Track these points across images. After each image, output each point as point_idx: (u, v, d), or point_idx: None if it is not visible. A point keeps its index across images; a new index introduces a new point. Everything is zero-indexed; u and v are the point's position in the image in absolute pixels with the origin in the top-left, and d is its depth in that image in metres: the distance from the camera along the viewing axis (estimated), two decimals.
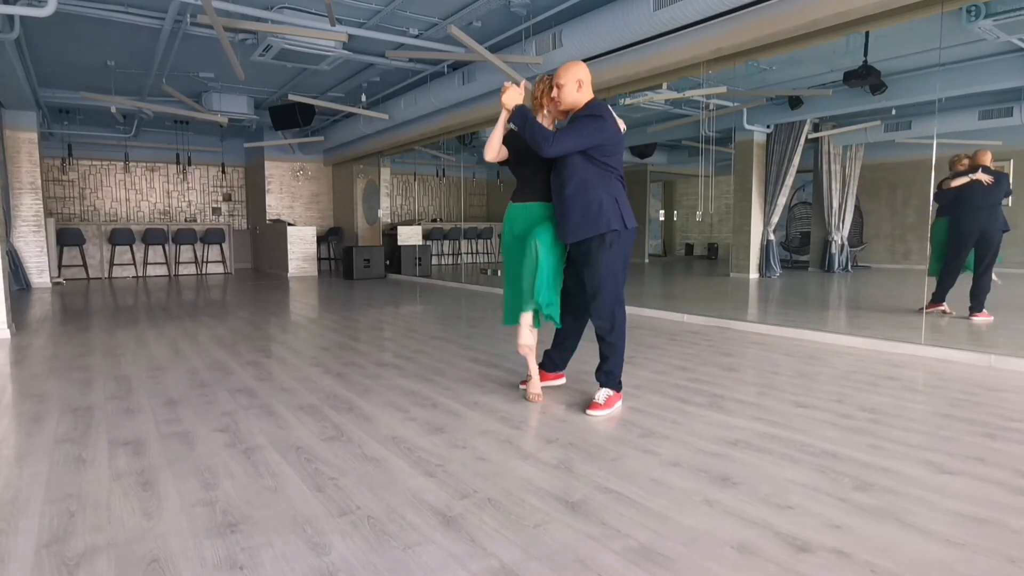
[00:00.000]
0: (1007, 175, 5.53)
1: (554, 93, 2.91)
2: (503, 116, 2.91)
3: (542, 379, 3.28)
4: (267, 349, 4.54)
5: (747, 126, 9.28)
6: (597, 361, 3.03)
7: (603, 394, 2.94)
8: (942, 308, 5.63)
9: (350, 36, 5.85)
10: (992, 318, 5.34)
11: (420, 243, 11.76)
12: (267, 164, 12.64)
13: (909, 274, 9.38)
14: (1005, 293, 5.77)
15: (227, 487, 2.08)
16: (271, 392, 3.31)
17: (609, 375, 2.98)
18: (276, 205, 12.86)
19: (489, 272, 11.62)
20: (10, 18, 5.27)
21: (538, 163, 2.97)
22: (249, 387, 3.41)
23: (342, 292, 8.73)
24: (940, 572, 1.56)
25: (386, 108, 8.74)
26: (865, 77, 6.15)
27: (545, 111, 2.99)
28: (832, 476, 2.15)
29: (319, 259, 12.08)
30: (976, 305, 5.40)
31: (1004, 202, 5.52)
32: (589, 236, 2.84)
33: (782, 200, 9.72)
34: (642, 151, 12.07)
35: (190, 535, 1.76)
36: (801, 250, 11.52)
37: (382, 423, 2.78)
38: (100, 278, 10.83)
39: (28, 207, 9.00)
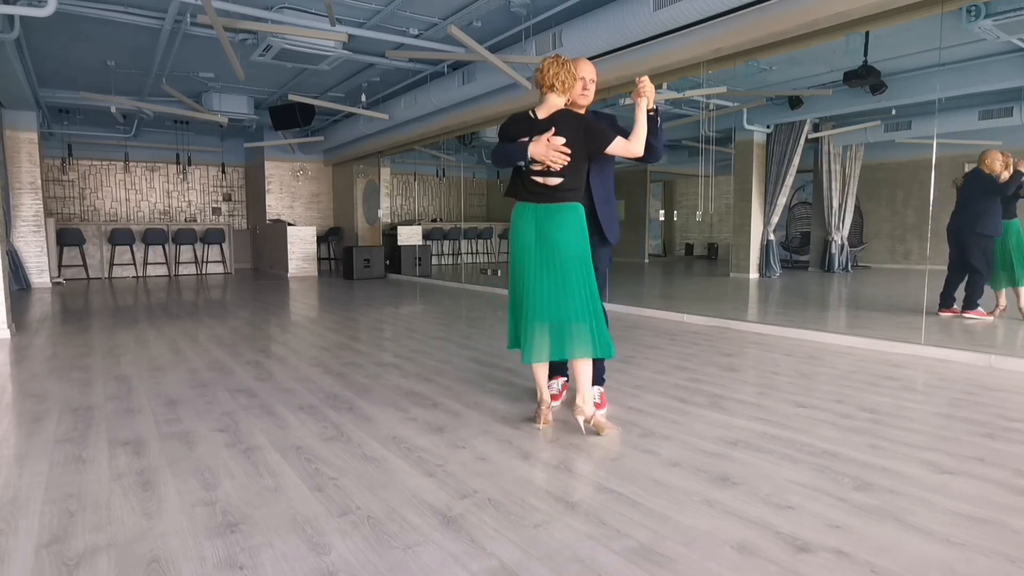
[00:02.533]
0: (980, 174, 5.37)
1: (589, 88, 2.77)
2: (645, 108, 2.68)
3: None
4: (267, 349, 4.54)
5: (747, 126, 9.28)
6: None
7: (597, 392, 2.94)
8: (952, 311, 5.54)
9: (350, 36, 5.85)
10: (991, 318, 5.34)
11: (420, 243, 11.77)
12: (267, 164, 12.64)
13: (909, 274, 9.37)
14: (1007, 293, 5.76)
15: (227, 487, 2.08)
16: (271, 392, 3.31)
17: (600, 371, 2.99)
18: (276, 205, 12.86)
19: (489, 272, 11.62)
20: (10, 18, 5.27)
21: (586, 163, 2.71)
22: (249, 387, 3.41)
23: (342, 292, 8.73)
24: (940, 572, 1.56)
25: (386, 108, 8.74)
26: (865, 77, 6.16)
27: (562, 97, 2.67)
28: (832, 476, 2.15)
29: (319, 259, 12.08)
30: (967, 303, 5.41)
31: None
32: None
33: (782, 200, 9.72)
34: None
35: (190, 535, 1.76)
36: (801, 250, 11.52)
37: (382, 423, 2.78)
38: (100, 278, 10.83)
39: (28, 207, 9.00)
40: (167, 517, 1.87)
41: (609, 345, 2.64)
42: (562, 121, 2.62)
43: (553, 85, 2.63)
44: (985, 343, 4.62)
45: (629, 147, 2.63)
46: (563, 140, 2.56)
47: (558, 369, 3.09)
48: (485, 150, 13.55)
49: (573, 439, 2.55)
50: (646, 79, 2.68)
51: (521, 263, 2.66)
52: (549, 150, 2.55)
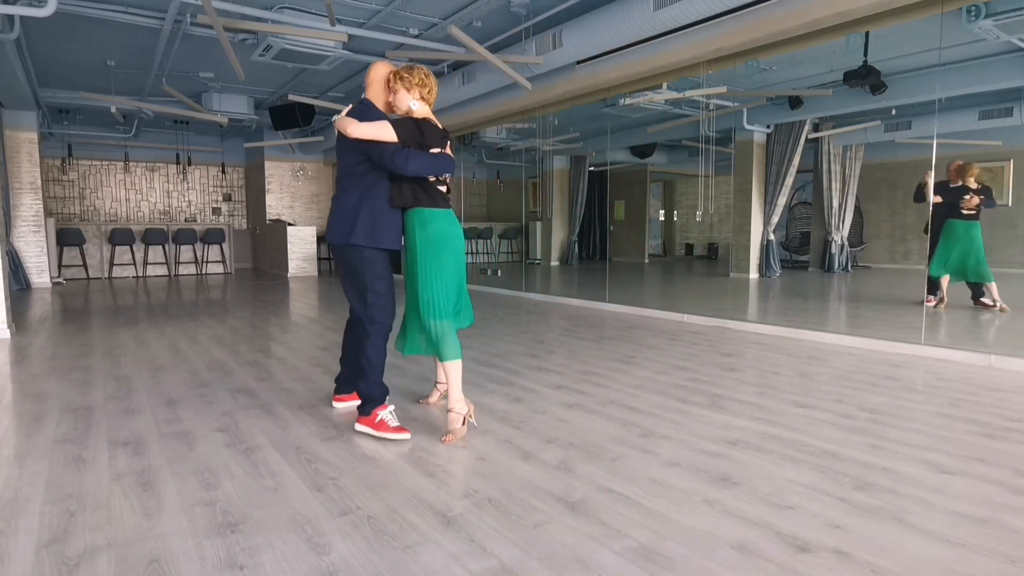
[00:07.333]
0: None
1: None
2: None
3: (341, 400, 3.05)
4: (267, 349, 4.53)
5: (747, 126, 9.28)
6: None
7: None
8: None
9: (350, 36, 5.85)
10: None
11: None
12: (267, 164, 12.64)
13: (909, 274, 9.37)
14: (1007, 293, 5.76)
15: (227, 487, 2.08)
16: (271, 392, 3.31)
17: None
18: (276, 205, 12.86)
19: (489, 272, 11.61)
20: (10, 18, 5.27)
21: None
22: (249, 387, 3.41)
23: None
24: (940, 572, 1.56)
25: None
26: (865, 77, 6.15)
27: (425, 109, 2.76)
28: (832, 476, 2.15)
29: (319, 259, 12.08)
30: None
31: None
32: None
33: (782, 200, 9.71)
34: (642, 151, 12.07)
35: (190, 535, 1.76)
36: (801, 250, 11.52)
37: None
38: (100, 278, 10.82)
39: (28, 207, 9.00)
40: (167, 517, 1.87)
41: None
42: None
43: (427, 98, 2.68)
44: (985, 343, 4.63)
45: None
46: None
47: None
48: (485, 150, 13.55)
49: (572, 439, 2.55)
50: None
51: (455, 266, 2.70)
52: None
